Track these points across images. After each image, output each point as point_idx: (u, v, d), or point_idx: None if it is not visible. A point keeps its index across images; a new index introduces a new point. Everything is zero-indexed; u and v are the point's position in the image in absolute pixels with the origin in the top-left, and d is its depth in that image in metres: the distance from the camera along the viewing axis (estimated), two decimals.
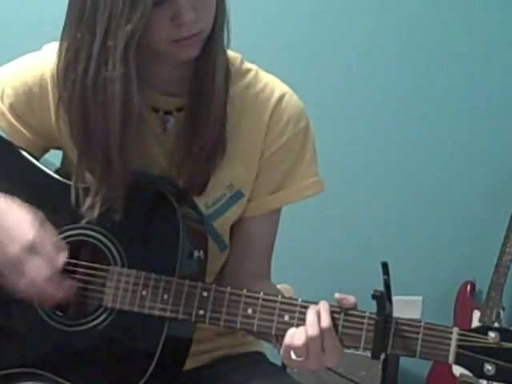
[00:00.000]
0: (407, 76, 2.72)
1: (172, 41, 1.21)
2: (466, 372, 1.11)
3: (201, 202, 1.34)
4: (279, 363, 1.44)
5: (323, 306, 1.18)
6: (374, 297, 1.13)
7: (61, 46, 1.26)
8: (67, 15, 1.24)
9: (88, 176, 1.28)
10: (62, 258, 1.24)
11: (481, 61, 2.75)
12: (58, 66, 1.26)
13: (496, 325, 2.54)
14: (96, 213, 1.25)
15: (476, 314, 2.67)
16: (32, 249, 1.21)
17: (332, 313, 1.18)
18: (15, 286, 1.23)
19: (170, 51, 1.24)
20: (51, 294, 1.23)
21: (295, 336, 1.17)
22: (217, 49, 1.27)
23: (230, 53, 1.34)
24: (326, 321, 1.16)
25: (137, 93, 1.20)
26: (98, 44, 1.18)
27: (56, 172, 1.36)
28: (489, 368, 1.10)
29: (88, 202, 1.26)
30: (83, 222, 1.27)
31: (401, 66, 2.72)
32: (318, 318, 1.17)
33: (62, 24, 1.25)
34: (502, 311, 2.63)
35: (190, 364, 1.32)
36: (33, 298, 1.25)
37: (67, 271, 1.26)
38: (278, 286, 1.49)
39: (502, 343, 1.10)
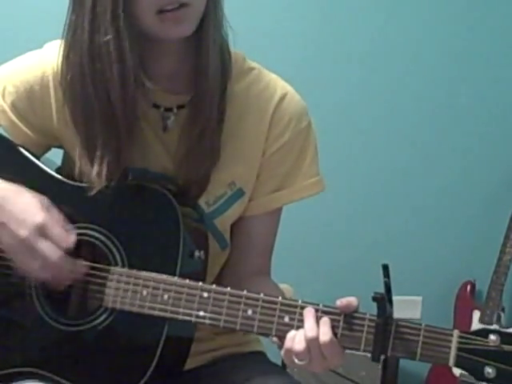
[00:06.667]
0: (410, 78, 2.72)
1: (157, 12, 1.20)
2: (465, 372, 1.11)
3: (202, 200, 1.34)
4: (279, 363, 1.43)
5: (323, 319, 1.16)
6: (374, 299, 1.12)
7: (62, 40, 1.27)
8: (67, 9, 1.26)
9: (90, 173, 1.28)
10: (72, 238, 1.25)
11: (482, 63, 2.75)
12: (61, 56, 1.27)
13: (496, 326, 2.54)
14: (103, 181, 1.25)
15: (476, 314, 2.66)
16: (41, 231, 1.22)
17: (331, 314, 1.16)
18: (29, 269, 1.24)
19: (158, 28, 1.22)
20: (64, 273, 1.24)
21: (295, 340, 1.16)
22: (208, 40, 1.26)
23: (233, 51, 1.34)
24: (325, 330, 1.15)
25: (130, 53, 1.21)
26: (88, 14, 1.21)
27: (57, 171, 1.36)
28: (489, 371, 1.09)
29: (95, 169, 1.26)
30: (86, 217, 1.27)
31: (405, 68, 2.72)
32: (316, 322, 1.16)
33: (64, 22, 1.26)
34: (502, 312, 2.63)
35: (190, 364, 1.32)
36: (47, 280, 1.26)
37: (75, 254, 1.27)
38: None
39: (503, 346, 1.09)
